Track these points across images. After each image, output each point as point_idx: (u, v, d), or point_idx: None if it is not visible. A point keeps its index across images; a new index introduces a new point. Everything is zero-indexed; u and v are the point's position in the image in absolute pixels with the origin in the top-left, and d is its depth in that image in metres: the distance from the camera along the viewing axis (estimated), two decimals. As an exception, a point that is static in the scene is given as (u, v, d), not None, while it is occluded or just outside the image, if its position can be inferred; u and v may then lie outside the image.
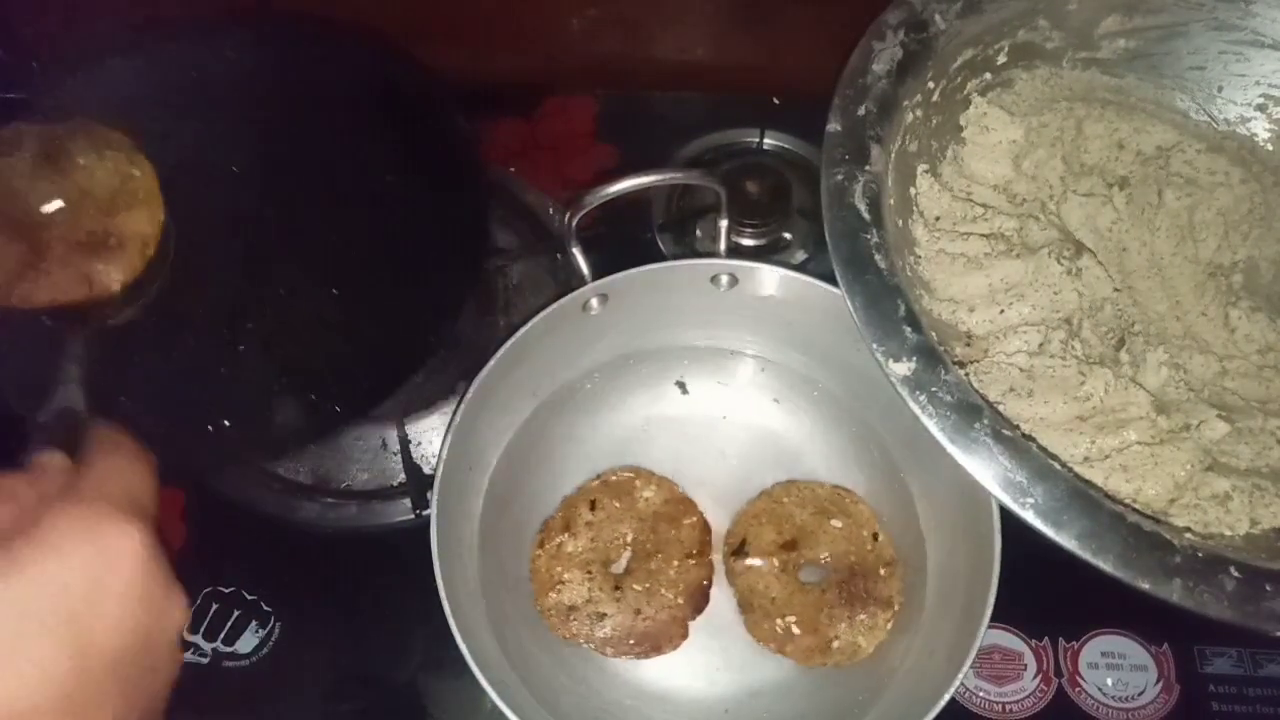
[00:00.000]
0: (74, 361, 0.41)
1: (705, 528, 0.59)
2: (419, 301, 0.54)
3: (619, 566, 0.59)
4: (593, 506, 0.59)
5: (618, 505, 0.59)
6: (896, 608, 0.56)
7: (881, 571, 0.57)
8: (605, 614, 0.56)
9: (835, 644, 0.55)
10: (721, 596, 0.58)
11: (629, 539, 0.59)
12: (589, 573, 0.57)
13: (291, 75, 0.57)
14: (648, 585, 0.57)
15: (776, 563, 0.58)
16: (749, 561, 0.58)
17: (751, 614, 0.57)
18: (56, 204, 0.51)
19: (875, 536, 0.58)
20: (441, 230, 0.55)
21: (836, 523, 0.58)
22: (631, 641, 0.56)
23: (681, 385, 0.64)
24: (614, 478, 0.61)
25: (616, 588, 0.57)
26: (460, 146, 0.58)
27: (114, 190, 0.51)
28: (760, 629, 0.57)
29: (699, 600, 0.57)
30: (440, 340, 0.54)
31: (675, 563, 0.58)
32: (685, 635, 0.57)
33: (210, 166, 0.54)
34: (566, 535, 0.58)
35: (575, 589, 0.57)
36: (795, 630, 0.56)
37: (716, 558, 0.59)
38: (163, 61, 0.57)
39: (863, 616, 0.56)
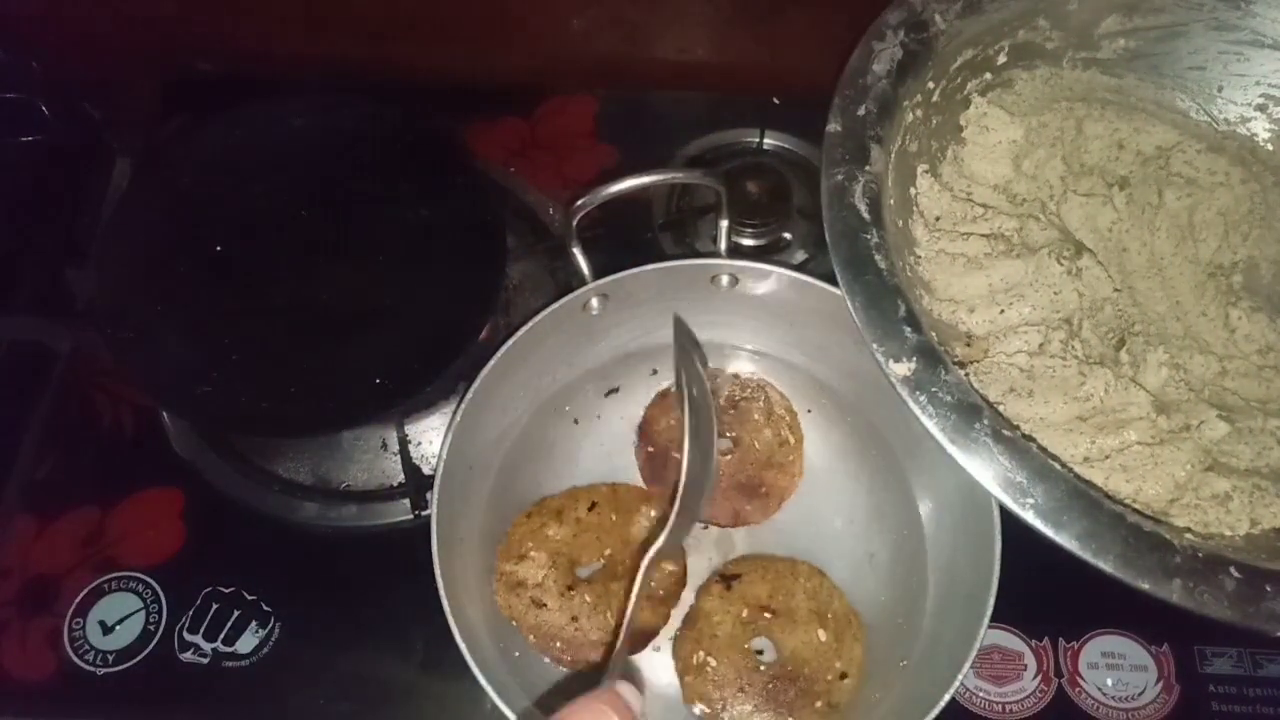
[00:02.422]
0: None
1: (681, 581, 0.58)
2: (456, 300, 0.61)
3: (584, 571, 0.58)
4: (592, 507, 0.59)
5: (614, 518, 0.59)
6: None
7: (817, 705, 0.54)
8: (545, 605, 0.56)
9: (725, 714, 0.54)
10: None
11: (606, 554, 0.58)
12: (554, 562, 0.57)
13: (346, 133, 0.68)
14: (598, 603, 0.56)
15: (745, 612, 0.56)
16: (726, 595, 0.56)
17: (690, 629, 0.56)
18: (728, 445, 0.62)
19: (843, 676, 0.54)
20: (466, 246, 0.63)
21: (822, 634, 0.55)
22: (555, 643, 0.55)
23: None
24: (625, 489, 0.60)
25: (570, 588, 0.56)
26: (478, 179, 0.67)
27: (772, 450, 0.61)
28: (683, 645, 0.56)
29: (637, 642, 0.56)
30: (475, 329, 0.60)
31: None
32: (605, 666, 0.56)
33: (287, 202, 0.66)
34: (554, 520, 0.58)
35: (533, 570, 0.57)
36: (708, 668, 0.54)
37: (676, 615, 0.57)
38: (252, 121, 0.69)
39: (766, 709, 0.53)
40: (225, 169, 0.67)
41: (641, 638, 0.56)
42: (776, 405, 0.63)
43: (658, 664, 0.57)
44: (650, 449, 0.62)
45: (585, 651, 0.56)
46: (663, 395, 0.63)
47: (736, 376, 0.63)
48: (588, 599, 0.56)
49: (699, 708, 0.54)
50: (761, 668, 0.55)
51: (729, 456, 0.61)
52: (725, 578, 0.57)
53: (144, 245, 0.64)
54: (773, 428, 0.62)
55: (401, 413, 0.63)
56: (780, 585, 0.57)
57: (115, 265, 0.63)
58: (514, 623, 0.56)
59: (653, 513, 0.59)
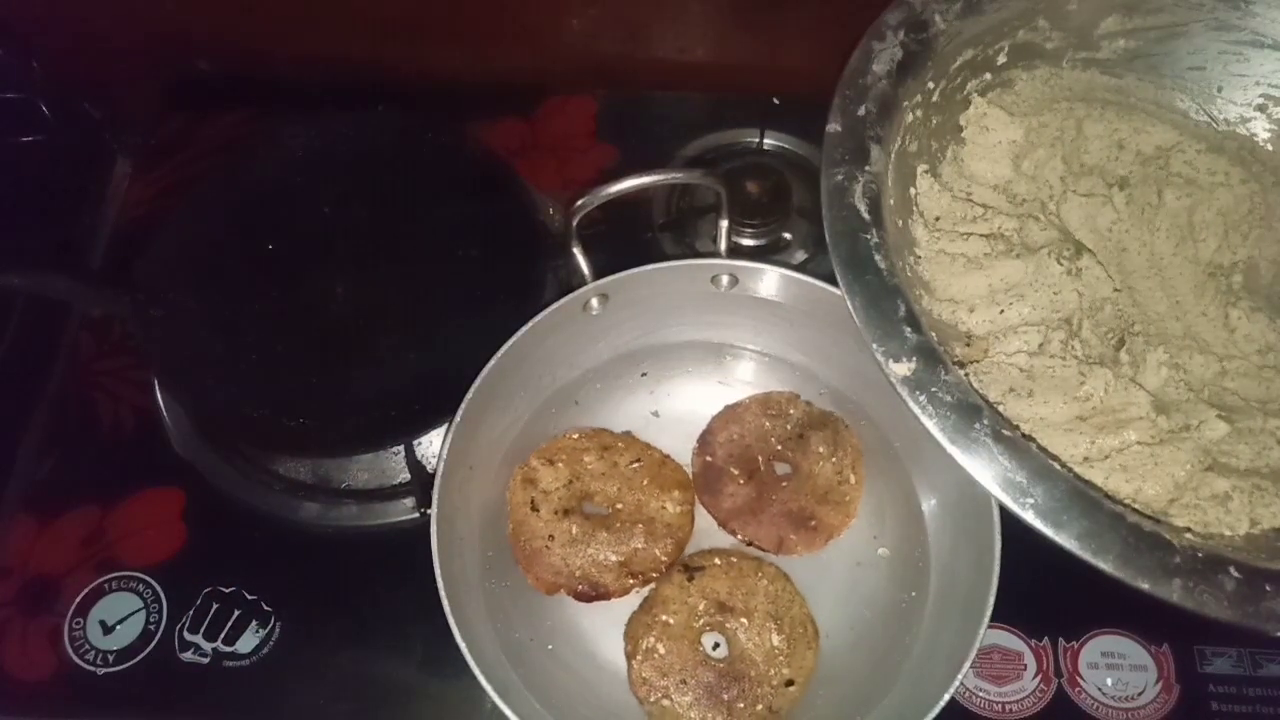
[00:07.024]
0: None
1: (658, 567, 0.57)
2: (487, 325, 0.59)
3: (590, 509, 0.59)
4: (636, 459, 0.60)
5: (646, 483, 0.59)
6: None
7: (758, 708, 0.54)
8: (538, 511, 0.58)
9: (664, 702, 0.54)
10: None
11: (617, 507, 0.59)
12: (570, 483, 0.59)
13: (398, 157, 0.70)
14: (578, 538, 0.57)
15: (702, 605, 0.56)
16: (686, 586, 0.56)
17: (645, 613, 0.56)
18: (787, 471, 0.61)
19: (789, 683, 0.54)
20: (505, 273, 0.65)
21: (776, 639, 0.55)
22: (523, 545, 0.57)
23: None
24: (674, 465, 0.61)
25: (567, 512, 0.58)
26: (524, 213, 0.69)
27: (830, 485, 0.60)
28: (635, 627, 0.56)
29: (592, 594, 0.57)
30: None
31: (614, 557, 0.57)
32: (552, 592, 0.57)
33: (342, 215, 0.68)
34: (597, 451, 0.60)
35: (549, 478, 0.59)
36: (656, 654, 0.54)
37: (641, 593, 0.58)
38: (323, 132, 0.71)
39: (706, 704, 0.54)
40: (299, 174, 0.69)
41: (591, 591, 0.57)
42: (844, 443, 0.61)
43: (613, 641, 0.57)
44: (708, 458, 0.61)
45: (539, 569, 0.57)
46: (730, 408, 0.63)
47: (810, 405, 0.62)
48: (573, 530, 0.57)
49: (640, 691, 0.54)
50: (709, 662, 0.55)
51: (785, 484, 0.60)
52: (688, 568, 0.57)
53: (198, 236, 0.66)
54: (835, 464, 0.60)
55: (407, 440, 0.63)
56: (741, 583, 0.57)
57: (169, 247, 0.65)
58: (508, 507, 0.58)
59: (681, 506, 0.59)
